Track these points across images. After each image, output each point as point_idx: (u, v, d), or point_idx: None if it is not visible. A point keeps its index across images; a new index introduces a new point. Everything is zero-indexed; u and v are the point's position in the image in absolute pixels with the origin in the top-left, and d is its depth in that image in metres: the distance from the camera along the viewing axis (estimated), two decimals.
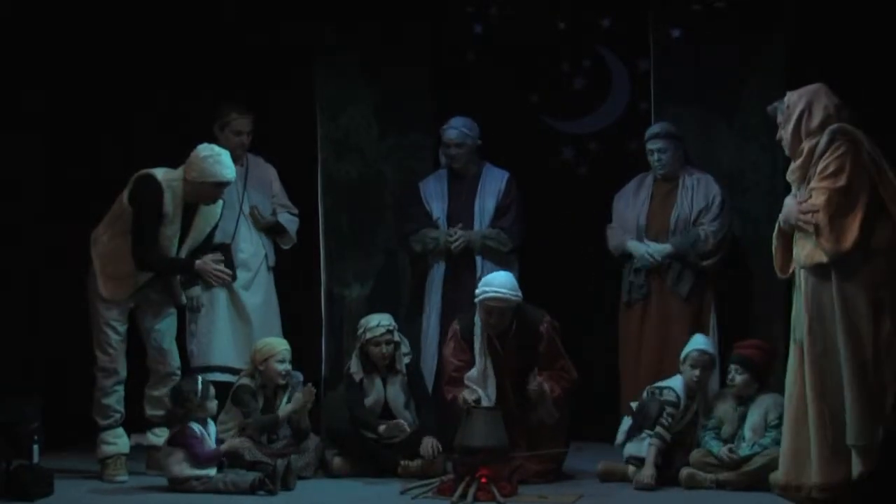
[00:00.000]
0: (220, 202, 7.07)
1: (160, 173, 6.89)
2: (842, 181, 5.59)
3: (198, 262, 6.94)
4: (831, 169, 5.62)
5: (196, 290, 7.31)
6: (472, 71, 8.29)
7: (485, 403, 6.81)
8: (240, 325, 7.54)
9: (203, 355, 7.51)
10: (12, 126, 7.66)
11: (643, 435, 6.82)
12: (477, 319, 6.99)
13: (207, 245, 7.11)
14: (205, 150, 6.91)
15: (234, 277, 7.49)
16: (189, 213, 6.96)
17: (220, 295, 7.55)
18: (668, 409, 6.82)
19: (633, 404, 6.99)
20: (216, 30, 8.07)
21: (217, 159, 6.88)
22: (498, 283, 6.93)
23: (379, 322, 7.21)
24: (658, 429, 6.79)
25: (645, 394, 6.96)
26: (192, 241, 7.01)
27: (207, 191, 6.91)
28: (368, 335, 7.19)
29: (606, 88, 8.33)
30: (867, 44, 7.44)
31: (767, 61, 7.62)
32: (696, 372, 6.88)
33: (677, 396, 6.86)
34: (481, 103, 8.02)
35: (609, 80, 8.34)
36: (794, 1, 7.63)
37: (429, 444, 6.98)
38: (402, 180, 8.00)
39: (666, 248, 7.35)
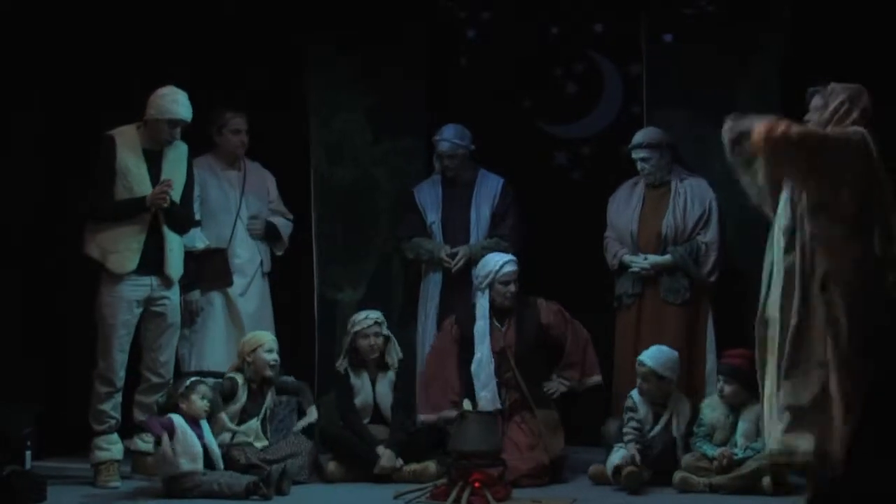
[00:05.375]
0: (185, 151, 7.10)
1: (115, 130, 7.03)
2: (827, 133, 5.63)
3: (147, 196, 6.94)
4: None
5: (195, 295, 7.36)
6: (465, 75, 8.29)
7: (486, 404, 6.88)
8: (234, 332, 7.53)
9: (196, 360, 7.50)
10: (4, 126, 7.66)
11: (617, 447, 6.90)
12: (482, 304, 7.16)
13: (186, 203, 7.11)
14: (164, 89, 6.99)
15: (230, 283, 7.51)
16: (153, 164, 6.99)
17: (216, 300, 7.55)
18: (627, 415, 6.93)
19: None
20: (209, 35, 8.06)
21: (174, 98, 6.97)
22: (500, 256, 7.24)
23: (367, 315, 7.26)
24: (626, 433, 6.88)
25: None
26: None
27: (162, 129, 6.98)
28: (357, 328, 7.22)
29: (599, 93, 8.35)
30: (862, 48, 7.43)
31: (760, 65, 7.62)
32: (638, 380, 6.98)
33: (633, 402, 6.97)
34: (474, 108, 8.03)
35: (601, 84, 8.35)
36: (788, 5, 7.63)
37: (387, 455, 7.01)
38: (395, 185, 8.00)
39: (665, 259, 7.35)
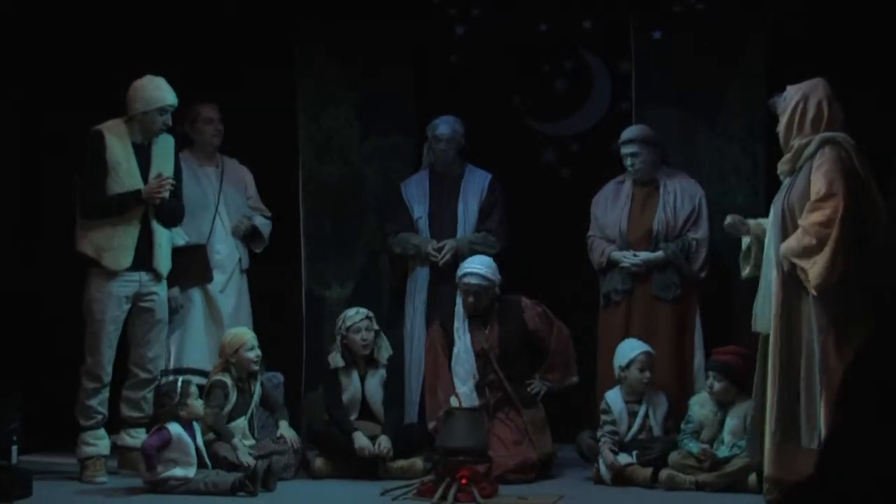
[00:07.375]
0: (172, 143, 7.07)
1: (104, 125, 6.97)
2: (832, 211, 5.69)
3: (143, 189, 6.91)
4: (822, 191, 5.72)
5: (174, 291, 7.32)
6: (454, 72, 8.28)
7: (465, 400, 6.85)
8: (213, 328, 7.50)
9: (176, 357, 7.46)
10: None
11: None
12: (458, 301, 7.14)
13: (175, 196, 7.05)
14: (142, 80, 6.95)
15: (210, 279, 7.48)
16: (142, 157, 6.95)
17: (196, 297, 7.51)
18: (602, 419, 6.91)
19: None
20: (198, 33, 8.05)
21: (157, 85, 6.94)
22: (478, 262, 7.14)
23: (357, 310, 7.25)
24: (603, 441, 6.87)
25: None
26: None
27: (154, 119, 6.92)
28: (349, 323, 7.20)
29: (588, 90, 8.34)
30: (848, 45, 7.45)
31: (748, 63, 7.62)
32: (647, 374, 6.93)
33: (607, 405, 6.95)
34: (463, 105, 8.02)
35: (590, 81, 8.35)
36: (776, 3, 7.64)
37: (380, 442, 7.00)
38: (383, 182, 7.99)
39: (657, 255, 7.34)
